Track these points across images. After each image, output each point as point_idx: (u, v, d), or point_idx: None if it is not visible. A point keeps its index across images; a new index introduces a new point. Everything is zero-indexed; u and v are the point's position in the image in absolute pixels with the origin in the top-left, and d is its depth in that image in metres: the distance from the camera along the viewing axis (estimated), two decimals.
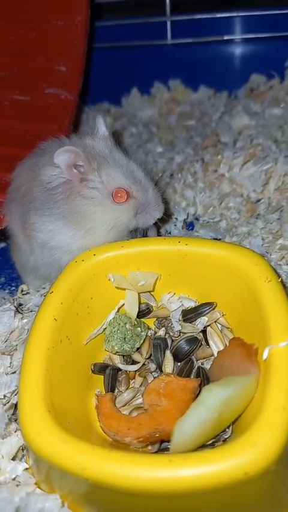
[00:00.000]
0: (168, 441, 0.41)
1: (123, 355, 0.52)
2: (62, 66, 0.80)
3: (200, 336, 0.52)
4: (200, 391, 0.44)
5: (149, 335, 0.53)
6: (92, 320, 0.51)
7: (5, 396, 0.49)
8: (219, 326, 0.52)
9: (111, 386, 0.50)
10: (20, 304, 0.63)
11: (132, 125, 1.04)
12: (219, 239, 0.69)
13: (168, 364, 0.50)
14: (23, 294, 0.66)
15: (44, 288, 0.64)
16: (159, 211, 0.56)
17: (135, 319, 0.52)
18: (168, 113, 1.05)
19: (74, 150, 0.52)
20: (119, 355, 0.52)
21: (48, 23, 0.81)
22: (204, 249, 0.51)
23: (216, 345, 0.50)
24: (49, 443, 0.37)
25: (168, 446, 0.42)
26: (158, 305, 0.54)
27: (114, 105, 1.13)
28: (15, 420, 0.49)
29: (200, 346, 0.52)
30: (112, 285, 0.52)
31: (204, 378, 0.48)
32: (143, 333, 0.52)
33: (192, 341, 0.51)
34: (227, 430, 0.43)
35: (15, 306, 0.59)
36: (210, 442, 0.42)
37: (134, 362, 0.52)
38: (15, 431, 0.47)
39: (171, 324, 0.53)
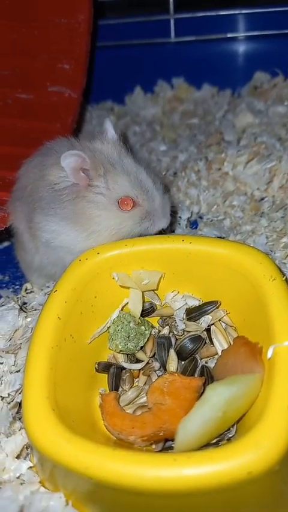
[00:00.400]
0: (172, 440, 0.41)
1: (127, 354, 0.52)
2: (65, 64, 0.80)
3: (204, 335, 0.52)
4: (204, 390, 0.43)
5: (153, 334, 0.53)
6: (96, 319, 0.51)
7: (9, 395, 0.49)
8: (223, 325, 0.52)
9: (115, 385, 0.50)
10: (24, 303, 0.63)
11: (136, 124, 1.04)
12: (223, 237, 0.69)
13: (172, 363, 0.50)
14: (27, 293, 0.66)
15: (48, 287, 0.64)
16: (164, 222, 0.55)
17: (139, 318, 0.52)
18: (171, 111, 1.04)
19: (80, 154, 0.52)
20: (123, 353, 0.52)
21: (51, 21, 0.81)
22: (208, 248, 0.50)
23: (220, 343, 0.50)
24: (53, 442, 0.37)
25: (172, 445, 0.42)
26: (161, 304, 0.54)
27: (117, 104, 1.13)
28: (20, 419, 0.49)
29: (204, 344, 0.52)
30: (116, 284, 0.51)
31: (208, 377, 0.48)
32: (147, 332, 0.52)
33: (196, 340, 0.51)
34: (231, 429, 0.43)
35: (19, 305, 0.59)
36: (214, 441, 0.42)
37: (138, 361, 0.52)
38: (19, 430, 0.47)
39: (175, 322, 0.53)
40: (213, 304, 0.52)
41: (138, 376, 0.51)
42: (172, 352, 0.51)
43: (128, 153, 0.57)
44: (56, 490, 0.42)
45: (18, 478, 0.44)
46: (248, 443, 0.35)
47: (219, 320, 0.52)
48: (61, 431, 0.38)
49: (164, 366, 0.51)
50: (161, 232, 0.57)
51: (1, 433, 0.47)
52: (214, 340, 0.51)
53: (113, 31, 1.07)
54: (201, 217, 0.75)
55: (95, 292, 0.51)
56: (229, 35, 1.03)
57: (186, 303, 0.53)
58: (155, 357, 0.52)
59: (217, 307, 0.52)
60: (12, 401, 0.49)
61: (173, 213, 0.60)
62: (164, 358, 0.51)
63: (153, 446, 0.44)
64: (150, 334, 0.52)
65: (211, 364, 0.50)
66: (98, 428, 0.45)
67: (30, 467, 0.44)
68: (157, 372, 0.51)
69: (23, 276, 0.70)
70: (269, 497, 0.39)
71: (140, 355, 0.52)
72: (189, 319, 0.52)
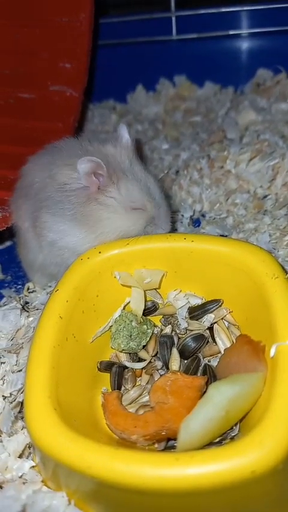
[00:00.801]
0: (175, 439, 0.41)
1: (130, 353, 0.52)
2: (67, 63, 0.79)
3: (207, 333, 0.52)
4: (206, 389, 0.43)
5: (155, 333, 0.53)
6: (97, 318, 0.51)
7: (11, 394, 0.49)
8: (226, 323, 0.52)
9: (117, 384, 0.49)
10: (26, 303, 0.63)
11: (138, 122, 1.04)
12: (226, 236, 0.68)
13: (175, 362, 0.50)
14: (29, 292, 0.66)
15: (50, 286, 0.64)
16: (165, 229, 0.57)
17: (141, 317, 0.52)
18: (173, 110, 1.04)
19: (98, 162, 0.52)
20: (125, 352, 0.52)
21: (52, 20, 0.80)
22: (210, 246, 0.50)
23: (223, 342, 0.50)
24: (55, 441, 0.37)
25: (175, 444, 0.42)
26: (164, 302, 0.54)
27: (119, 102, 1.13)
28: (22, 418, 0.49)
29: (206, 343, 0.51)
30: (118, 283, 0.51)
31: (211, 376, 0.47)
32: (149, 331, 0.52)
33: (199, 338, 0.51)
34: (234, 427, 0.43)
35: (21, 304, 0.59)
36: (217, 439, 0.42)
37: (140, 360, 0.52)
38: (21, 429, 0.47)
39: (178, 321, 0.52)
40: (216, 303, 0.51)
41: (140, 375, 0.51)
42: (175, 351, 0.50)
43: (138, 159, 0.58)
44: (59, 489, 0.42)
45: (20, 477, 0.44)
46: (251, 442, 0.34)
47: (222, 318, 0.51)
48: (63, 431, 0.37)
49: (166, 365, 0.50)
50: None
51: (3, 432, 0.47)
52: (217, 339, 0.50)
53: (115, 29, 1.07)
54: (203, 216, 0.75)
55: (97, 291, 0.51)
56: (231, 32, 1.03)
57: (189, 302, 0.52)
58: (158, 355, 0.52)
59: (220, 306, 0.51)
60: (14, 400, 0.49)
61: (173, 212, 0.61)
62: (166, 357, 0.50)
63: (156, 445, 0.43)
64: (152, 333, 0.52)
65: (214, 363, 0.50)
66: (101, 428, 0.45)
67: (33, 466, 0.44)
68: (159, 370, 0.51)
69: (25, 276, 0.70)
70: (272, 496, 0.39)
71: (142, 354, 0.51)
72: (191, 318, 0.52)
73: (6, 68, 0.81)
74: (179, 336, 0.52)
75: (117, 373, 0.50)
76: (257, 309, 0.46)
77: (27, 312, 0.59)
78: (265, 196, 0.74)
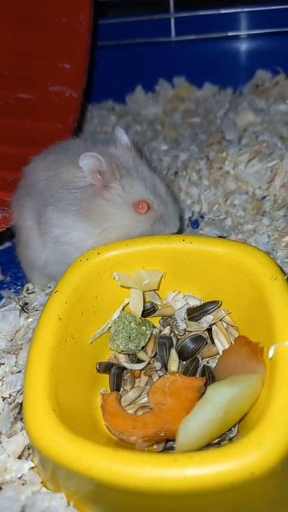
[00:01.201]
0: (174, 440, 0.41)
1: (129, 354, 0.52)
2: (66, 64, 0.80)
3: (206, 335, 0.52)
4: (205, 390, 0.43)
5: (154, 334, 0.53)
6: (97, 319, 0.51)
7: (10, 395, 0.49)
8: (224, 324, 0.52)
9: (116, 385, 0.50)
10: (26, 303, 0.63)
11: (137, 123, 1.04)
12: (225, 237, 0.69)
13: (174, 363, 0.50)
14: (28, 293, 0.66)
15: (49, 287, 0.64)
16: (175, 226, 0.58)
17: (140, 318, 0.52)
18: (172, 111, 1.04)
19: (98, 157, 0.53)
20: (124, 354, 0.52)
21: (52, 20, 0.81)
22: (208, 247, 0.50)
23: (221, 343, 0.50)
24: (54, 442, 0.37)
25: (174, 445, 0.42)
26: (163, 303, 0.54)
27: (118, 103, 1.13)
28: (21, 419, 0.49)
29: (205, 344, 0.51)
30: (117, 284, 0.51)
31: (210, 377, 0.48)
32: (148, 332, 0.52)
33: (198, 339, 0.51)
34: (232, 429, 0.43)
35: (20, 305, 0.59)
36: (216, 441, 0.42)
37: (139, 361, 0.52)
38: (20, 430, 0.48)
39: (176, 322, 0.52)
40: (215, 304, 0.51)
41: (139, 376, 0.51)
42: (173, 352, 0.50)
43: (142, 159, 0.59)
44: (58, 491, 0.42)
45: (20, 478, 0.44)
46: (250, 444, 0.34)
47: (221, 320, 0.52)
48: (62, 432, 0.38)
49: (165, 366, 0.50)
50: None
51: (3, 433, 0.47)
52: (215, 340, 0.51)
53: (114, 30, 1.07)
54: (202, 217, 0.75)
55: (95, 292, 0.51)
56: (230, 34, 1.03)
57: (188, 303, 0.53)
58: (156, 357, 0.52)
59: (218, 307, 0.51)
60: (13, 401, 0.49)
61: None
62: (165, 358, 0.51)
63: (155, 446, 0.44)
64: (151, 334, 0.52)
65: (212, 364, 0.50)
66: (100, 429, 0.45)
67: (32, 467, 0.44)
68: (158, 372, 0.51)
69: (24, 277, 0.70)
70: (271, 497, 0.39)
71: (141, 355, 0.52)
72: (190, 319, 0.52)
73: (6, 69, 0.81)
74: (178, 337, 0.52)
75: (116, 374, 0.50)
76: (255, 310, 0.46)
77: (27, 313, 0.59)
78: (264, 198, 0.74)
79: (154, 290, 0.53)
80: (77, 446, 0.36)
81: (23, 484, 0.43)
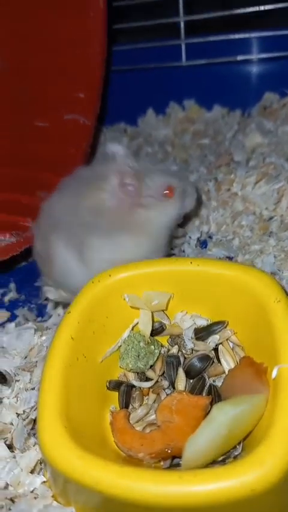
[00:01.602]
0: (180, 457, 0.42)
1: (138, 372, 0.53)
2: (81, 93, 0.84)
3: (212, 354, 0.53)
4: (211, 409, 0.45)
5: (162, 352, 0.55)
6: (107, 338, 0.53)
7: (24, 411, 0.51)
8: (230, 344, 0.53)
9: (125, 403, 0.51)
10: (39, 322, 0.65)
11: (148, 144, 1.07)
12: (232, 257, 0.70)
13: (181, 382, 0.52)
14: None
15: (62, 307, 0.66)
16: (194, 194, 0.65)
17: (149, 338, 0.54)
18: (182, 132, 1.07)
19: (125, 168, 0.59)
20: (133, 372, 0.53)
21: (68, 52, 0.85)
22: (215, 270, 0.52)
23: (227, 362, 0.52)
24: (65, 458, 0.39)
25: (180, 462, 0.43)
26: (171, 323, 0.56)
27: (130, 125, 1.17)
28: (34, 435, 0.51)
29: (212, 363, 0.53)
30: (127, 305, 0.54)
31: (216, 395, 0.49)
32: (156, 351, 0.54)
33: (204, 359, 0.52)
34: (237, 447, 0.44)
35: (35, 325, 0.62)
36: (221, 458, 0.43)
37: (147, 379, 0.53)
38: (33, 446, 0.49)
39: (184, 341, 0.54)
40: (221, 324, 0.53)
41: (148, 394, 0.53)
42: (181, 371, 0.52)
43: (139, 161, 0.65)
44: (68, 505, 0.43)
45: (32, 492, 0.45)
46: (251, 462, 0.36)
47: (227, 339, 0.53)
48: (73, 448, 0.39)
49: (172, 384, 0.52)
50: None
51: (17, 448, 0.49)
52: (222, 360, 0.52)
53: (127, 56, 1.11)
54: (210, 237, 0.77)
55: (107, 312, 0.53)
56: (239, 58, 1.06)
57: (195, 323, 0.54)
58: (164, 375, 0.53)
59: (224, 327, 0.53)
60: (27, 417, 0.51)
61: (181, 237, 0.66)
62: (172, 376, 0.52)
63: (162, 463, 0.45)
64: (159, 353, 0.54)
65: (218, 383, 0.52)
66: (109, 445, 0.47)
67: (44, 481, 0.46)
68: (166, 390, 0.52)
69: (38, 295, 0.73)
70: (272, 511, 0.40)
71: (149, 373, 0.53)
72: (197, 339, 0.54)
73: (25, 97, 0.85)
74: (185, 356, 0.54)
75: (125, 392, 0.52)
76: (260, 331, 0.48)
77: (40, 331, 0.61)
78: (271, 218, 0.76)
79: (162, 310, 0.55)
80: (86, 462, 0.38)
81: (35, 498, 0.44)
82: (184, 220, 0.80)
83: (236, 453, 0.44)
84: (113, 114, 1.14)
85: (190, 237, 0.76)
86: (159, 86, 1.11)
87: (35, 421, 0.51)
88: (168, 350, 0.55)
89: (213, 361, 0.53)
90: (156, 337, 0.55)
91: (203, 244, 0.76)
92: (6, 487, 0.45)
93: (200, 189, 0.83)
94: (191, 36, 1.07)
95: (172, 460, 0.45)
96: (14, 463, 0.47)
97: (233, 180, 0.80)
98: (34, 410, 0.52)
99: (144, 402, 0.52)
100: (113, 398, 0.52)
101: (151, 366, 0.53)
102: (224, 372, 0.51)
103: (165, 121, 1.12)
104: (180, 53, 1.08)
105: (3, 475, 0.46)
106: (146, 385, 0.52)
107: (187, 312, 0.55)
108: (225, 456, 0.44)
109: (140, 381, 0.53)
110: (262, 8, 0.99)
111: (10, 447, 0.49)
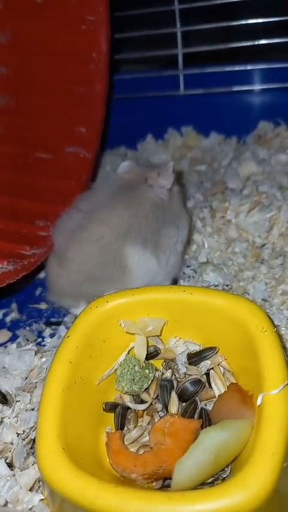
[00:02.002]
0: (171, 478, 0.45)
1: (133, 395, 0.56)
2: (82, 128, 0.88)
3: (204, 378, 0.56)
4: None
5: (157, 376, 0.58)
6: (104, 362, 0.56)
7: (24, 431, 0.54)
8: (221, 369, 0.56)
9: (121, 424, 0.54)
10: (39, 344, 0.68)
11: None
12: (228, 285, 0.73)
13: (174, 405, 0.54)
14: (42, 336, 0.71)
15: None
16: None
17: (144, 362, 0.56)
18: (180, 158, 1.11)
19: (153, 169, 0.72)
20: (128, 394, 0.56)
21: (71, 90, 0.89)
22: (206, 298, 0.55)
23: (218, 387, 0.54)
24: (62, 477, 0.41)
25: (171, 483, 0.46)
26: (165, 348, 0.58)
27: (130, 150, 1.21)
28: (33, 454, 0.53)
29: (203, 388, 0.55)
30: (123, 330, 0.56)
31: (206, 419, 0.51)
32: (150, 375, 0.56)
33: (197, 383, 0.55)
34: (226, 469, 0.47)
35: (35, 346, 0.64)
36: (210, 480, 0.46)
37: (142, 401, 0.56)
38: (32, 465, 0.52)
39: (177, 366, 0.57)
40: (212, 350, 0.56)
41: (142, 416, 0.55)
42: (174, 395, 0.55)
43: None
44: None
45: (30, 509, 0.47)
46: (236, 485, 0.38)
47: (218, 365, 0.56)
48: (69, 468, 0.42)
49: (166, 407, 0.55)
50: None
51: (16, 467, 0.51)
52: (212, 384, 0.55)
53: (128, 84, 1.16)
54: (204, 263, 0.80)
55: (103, 337, 0.56)
56: (234, 89, 1.11)
57: (188, 348, 0.57)
58: (158, 398, 0.56)
59: (215, 353, 0.56)
60: (26, 437, 0.54)
61: None
62: (166, 399, 0.55)
63: (154, 483, 0.47)
64: (154, 377, 0.57)
65: (209, 407, 0.54)
66: (104, 466, 0.49)
67: (42, 499, 0.48)
68: (159, 412, 0.55)
69: (39, 316, 0.76)
70: None
71: (144, 396, 0.56)
72: (190, 364, 0.56)
73: (27, 131, 0.90)
74: (178, 380, 0.57)
75: (120, 413, 0.54)
76: (248, 358, 0.50)
77: (40, 353, 0.64)
78: (263, 245, 0.79)
79: (157, 335, 0.58)
80: (82, 482, 0.41)
81: None
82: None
83: (225, 475, 0.47)
84: (114, 139, 1.19)
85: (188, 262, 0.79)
86: (158, 113, 1.16)
87: (34, 440, 0.53)
88: (162, 374, 0.58)
89: (204, 386, 0.56)
90: (150, 361, 0.58)
91: (197, 269, 0.80)
92: (6, 504, 0.48)
93: (196, 216, 0.87)
94: (188, 67, 1.12)
95: (164, 481, 0.48)
96: (13, 481, 0.49)
97: (227, 207, 0.83)
98: (33, 430, 0.54)
99: (138, 424, 0.54)
100: (109, 420, 0.54)
101: (146, 389, 0.56)
102: (214, 396, 0.54)
103: (163, 146, 1.16)
104: (179, 83, 1.13)
105: (3, 493, 0.48)
106: (141, 407, 0.55)
107: (180, 338, 0.58)
108: (214, 478, 0.46)
109: (135, 403, 0.55)
110: (257, 42, 1.04)
111: (10, 466, 0.51)
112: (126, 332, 0.57)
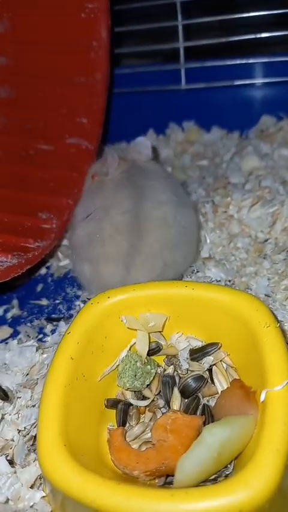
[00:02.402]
0: (173, 475, 0.44)
1: (135, 391, 0.56)
2: (83, 119, 0.87)
3: (206, 374, 0.55)
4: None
5: (159, 372, 0.57)
6: (105, 358, 0.55)
7: (25, 428, 0.53)
8: (224, 365, 0.55)
9: (122, 421, 0.53)
10: (40, 340, 0.67)
11: None
12: (230, 280, 0.73)
13: (176, 401, 0.54)
14: (44, 331, 0.70)
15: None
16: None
17: (146, 358, 0.56)
18: (182, 153, 1.10)
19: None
20: (130, 391, 0.56)
21: (71, 79, 0.88)
22: (209, 294, 0.55)
23: (220, 383, 0.54)
24: (64, 475, 0.41)
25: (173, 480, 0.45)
26: (167, 344, 0.58)
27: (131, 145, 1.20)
28: (34, 450, 0.53)
29: (206, 384, 0.55)
30: (124, 326, 0.56)
31: (209, 415, 0.51)
32: (152, 371, 0.56)
33: (199, 379, 0.55)
34: (229, 466, 0.46)
35: (36, 342, 0.64)
36: (213, 477, 0.45)
37: (144, 398, 0.55)
38: (33, 461, 0.51)
39: (180, 362, 0.56)
40: (215, 346, 0.55)
41: (144, 413, 0.55)
42: (176, 391, 0.54)
43: None
44: None
45: (31, 507, 0.47)
46: (239, 483, 0.38)
47: (221, 361, 0.55)
48: (71, 465, 0.41)
49: (168, 404, 0.54)
50: None
51: (17, 463, 0.51)
52: (215, 380, 0.54)
53: (129, 79, 1.15)
54: (207, 258, 0.80)
55: (105, 333, 0.55)
56: (236, 83, 1.10)
57: (190, 344, 0.57)
58: (160, 394, 0.55)
59: (218, 349, 0.55)
60: (27, 434, 0.53)
61: None
62: (168, 396, 0.54)
63: (156, 480, 0.47)
64: (156, 373, 0.56)
65: (212, 403, 0.54)
66: (106, 462, 0.49)
67: (43, 496, 0.48)
68: (161, 409, 0.54)
69: (39, 312, 0.75)
70: None
71: (146, 392, 0.55)
72: (192, 360, 0.56)
73: (28, 123, 0.89)
74: (181, 376, 0.56)
75: (122, 410, 0.54)
76: (251, 354, 0.50)
77: (42, 349, 0.63)
78: (265, 241, 0.79)
79: (159, 331, 0.58)
80: (84, 479, 0.40)
81: None
82: None
83: (228, 472, 0.46)
84: (115, 133, 1.17)
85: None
86: (159, 108, 1.15)
87: (35, 437, 0.53)
88: (165, 370, 0.57)
89: (207, 382, 0.55)
90: (152, 357, 0.57)
91: (199, 265, 0.79)
92: (7, 501, 0.47)
93: (198, 211, 0.86)
94: (190, 61, 1.11)
95: (166, 478, 0.47)
96: (14, 478, 0.49)
97: (229, 202, 0.83)
98: (34, 427, 0.54)
99: (140, 420, 0.54)
100: (111, 416, 0.54)
101: (148, 385, 0.55)
102: (217, 392, 0.54)
103: (165, 141, 1.15)
104: (180, 77, 1.12)
105: (4, 490, 0.48)
106: (143, 403, 0.55)
107: (183, 334, 0.57)
108: (217, 475, 0.46)
109: (137, 399, 0.55)
110: (259, 35, 1.03)
111: (11, 463, 0.51)
112: (127, 328, 0.56)
